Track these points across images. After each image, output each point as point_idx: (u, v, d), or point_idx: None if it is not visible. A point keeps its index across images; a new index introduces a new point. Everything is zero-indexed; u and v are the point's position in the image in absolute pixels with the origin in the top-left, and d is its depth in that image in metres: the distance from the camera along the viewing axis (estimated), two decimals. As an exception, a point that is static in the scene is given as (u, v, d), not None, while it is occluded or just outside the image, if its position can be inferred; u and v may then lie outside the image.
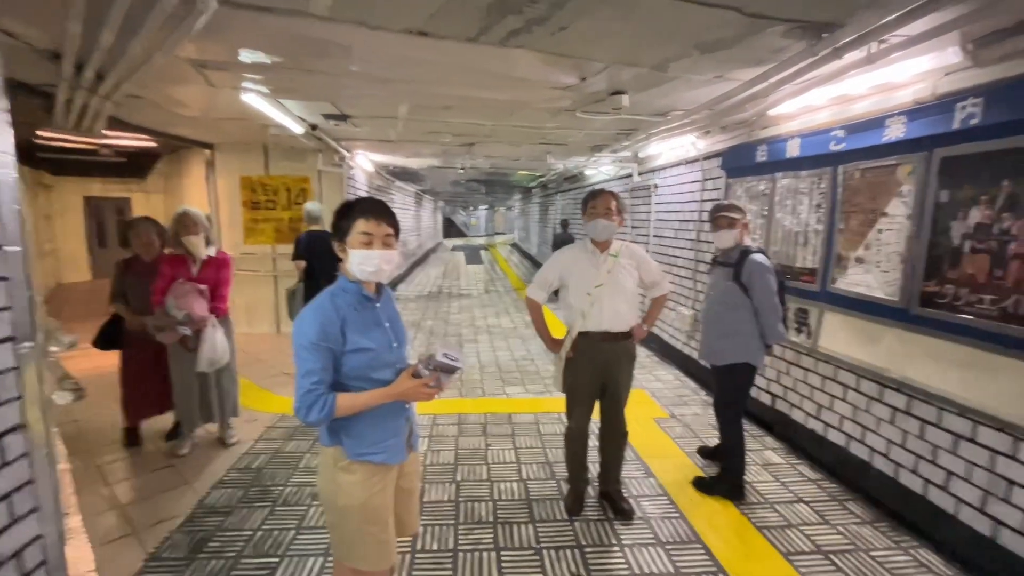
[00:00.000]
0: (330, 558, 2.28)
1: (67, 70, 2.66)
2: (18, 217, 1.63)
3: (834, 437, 3.15)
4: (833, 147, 3.09)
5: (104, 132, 3.91)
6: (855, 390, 3.00)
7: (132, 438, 3.44)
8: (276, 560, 2.29)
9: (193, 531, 2.49)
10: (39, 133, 5.40)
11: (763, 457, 3.34)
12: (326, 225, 3.40)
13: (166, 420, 3.48)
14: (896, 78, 2.63)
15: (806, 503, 2.81)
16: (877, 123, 2.78)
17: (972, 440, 2.31)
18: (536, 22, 2.20)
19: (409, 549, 2.38)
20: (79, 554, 2.27)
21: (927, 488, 2.53)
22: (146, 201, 8.24)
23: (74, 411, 3.81)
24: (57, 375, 2.33)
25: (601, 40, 2.45)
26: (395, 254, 1.55)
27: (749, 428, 3.79)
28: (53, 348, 1.93)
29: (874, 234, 2.85)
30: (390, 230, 1.53)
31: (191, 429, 3.36)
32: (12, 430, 1.59)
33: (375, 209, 1.52)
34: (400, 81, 3.26)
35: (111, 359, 3.36)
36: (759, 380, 3.93)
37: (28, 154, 6.91)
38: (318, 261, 4.21)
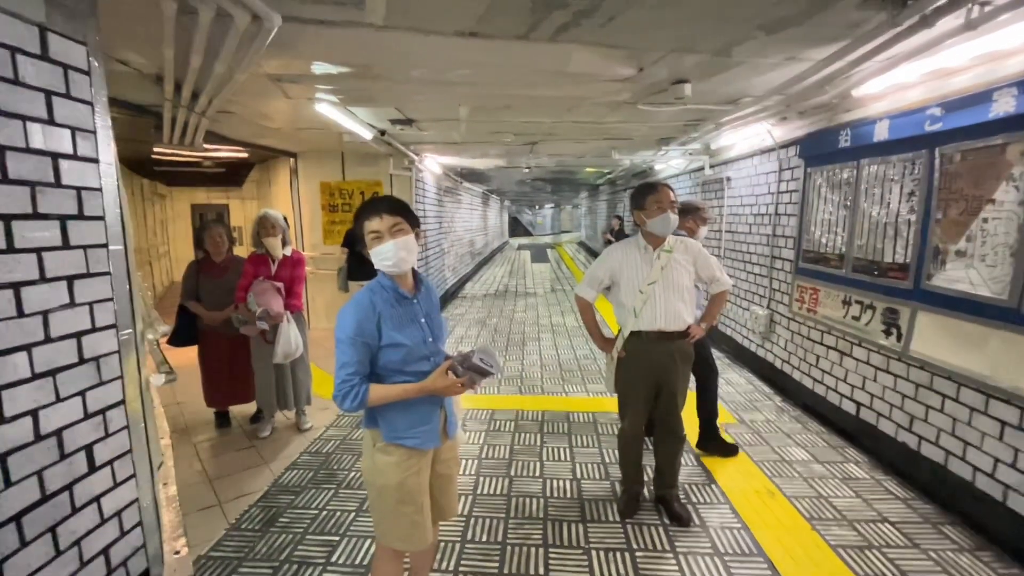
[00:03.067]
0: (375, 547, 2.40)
1: (168, 91, 3.01)
2: (119, 220, 1.87)
3: (929, 452, 2.81)
4: (928, 127, 2.76)
5: (204, 146, 4.38)
6: (955, 400, 2.66)
7: (223, 420, 3.82)
8: (336, 539, 2.44)
9: (267, 507, 2.72)
10: (155, 149, 6.16)
11: (843, 470, 3.05)
12: None
13: (251, 405, 3.82)
14: (1004, 45, 2.29)
15: (892, 523, 2.54)
16: (982, 98, 2.44)
17: (1102, 463, 1.97)
18: (583, 15, 2.16)
19: (459, 539, 2.44)
20: (172, 518, 2.56)
21: (1043, 516, 2.19)
22: (242, 206, 9.12)
23: (177, 394, 4.29)
24: (157, 360, 2.64)
25: (654, 28, 2.36)
26: (410, 239, 1.58)
27: (828, 438, 3.50)
28: (150, 336, 2.20)
29: (978, 224, 2.51)
30: (395, 219, 1.56)
31: (270, 415, 3.67)
32: (114, 405, 1.83)
33: (373, 207, 1.57)
34: (458, 83, 3.35)
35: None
36: (842, 387, 3.60)
37: (148, 168, 7.89)
38: (356, 249, 5.47)
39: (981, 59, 2.45)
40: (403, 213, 1.60)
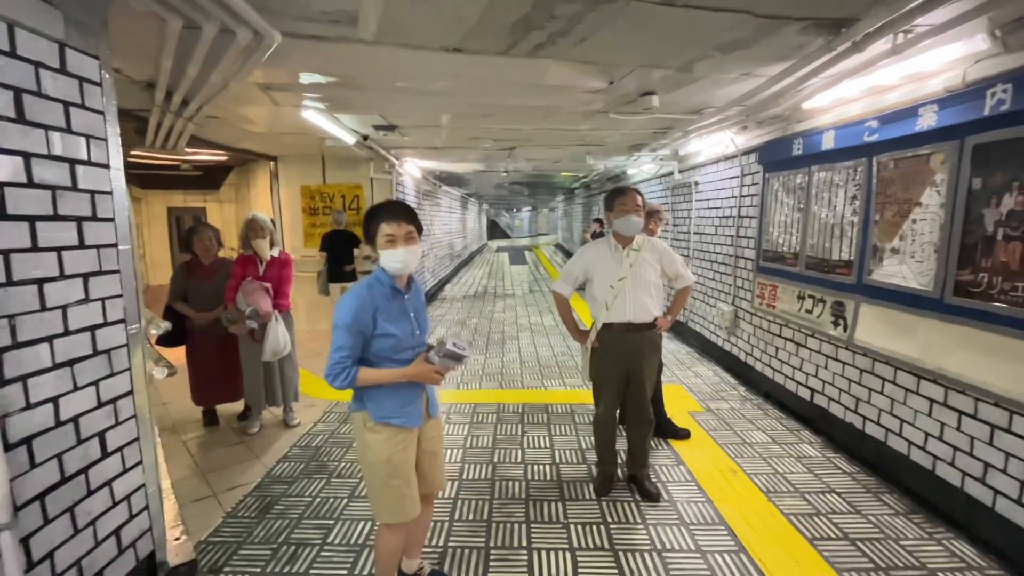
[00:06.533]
0: (377, 524, 2.55)
1: (159, 97, 3.11)
2: (128, 221, 1.99)
3: (872, 431, 3.12)
4: (867, 138, 3.07)
5: (186, 149, 4.44)
6: (892, 382, 2.97)
7: (210, 419, 3.90)
8: (331, 522, 2.59)
9: (262, 496, 2.84)
10: (132, 152, 6.14)
11: (798, 450, 3.34)
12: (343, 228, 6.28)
13: (238, 404, 3.91)
14: (927, 67, 2.61)
15: (838, 494, 2.82)
16: (910, 112, 2.76)
17: (1008, 430, 2.27)
18: (558, 35, 2.38)
19: (447, 518, 2.61)
20: (169, 508, 2.66)
21: (964, 480, 2.49)
22: (219, 210, 9.06)
23: (163, 395, 4.34)
24: (152, 357, 2.74)
25: (623, 47, 2.60)
26: (418, 248, 1.79)
27: (787, 423, 3.79)
28: (153, 331, 2.31)
29: (908, 224, 2.82)
30: (410, 227, 1.76)
31: (258, 411, 3.76)
32: (123, 396, 1.95)
33: (394, 212, 1.76)
34: (441, 93, 3.53)
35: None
36: (798, 375, 3.90)
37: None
38: (334, 253, 6.22)
39: (909, 78, 2.77)
40: (416, 222, 1.80)
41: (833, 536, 2.45)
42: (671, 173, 6.73)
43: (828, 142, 3.43)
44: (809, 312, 3.71)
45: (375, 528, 2.53)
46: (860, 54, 2.36)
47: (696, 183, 6.03)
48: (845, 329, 3.32)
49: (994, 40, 2.24)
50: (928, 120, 2.63)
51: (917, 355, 2.74)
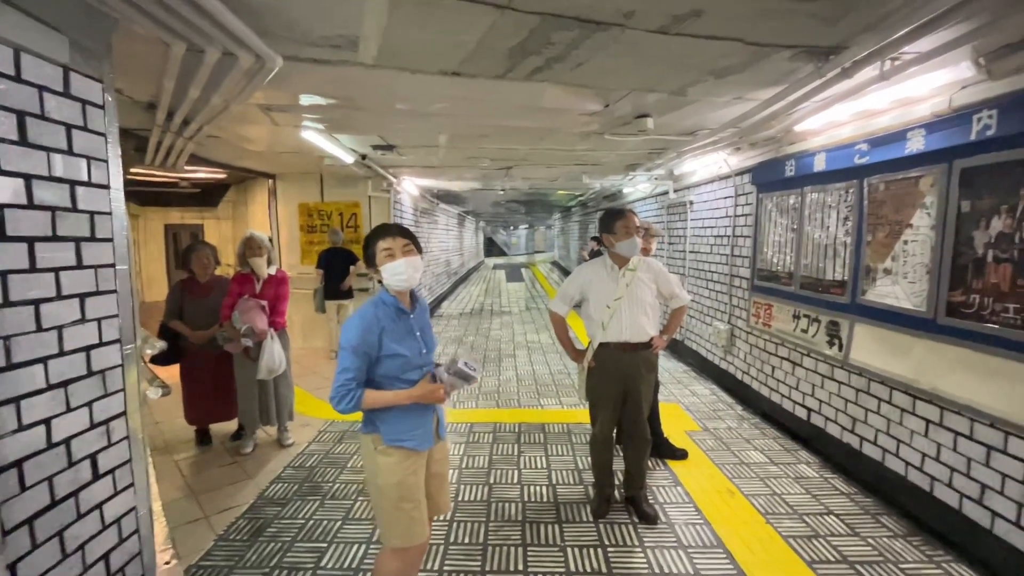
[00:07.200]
0: (372, 547, 2.52)
1: (160, 117, 3.15)
2: (126, 241, 2.00)
3: (869, 451, 3.11)
4: (858, 160, 3.13)
5: (185, 167, 4.47)
6: (888, 403, 2.97)
7: (203, 438, 3.85)
8: (325, 546, 2.55)
9: (254, 518, 2.80)
10: (130, 170, 6.18)
11: (795, 471, 3.32)
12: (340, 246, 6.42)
13: (232, 423, 3.87)
14: (915, 92, 2.67)
15: (836, 515, 2.80)
16: (899, 136, 2.82)
17: (1004, 452, 2.27)
18: (555, 60, 2.44)
19: (443, 541, 2.58)
20: (159, 531, 2.61)
21: (962, 501, 2.48)
22: (217, 227, 9.07)
23: (155, 414, 4.29)
24: (147, 376, 2.72)
25: (618, 72, 2.65)
26: (418, 259, 1.81)
27: (784, 442, 3.77)
28: (148, 351, 2.30)
29: (900, 245, 2.86)
30: (406, 241, 1.80)
31: (252, 431, 3.72)
32: (117, 416, 1.93)
33: (388, 229, 1.81)
34: (439, 115, 3.58)
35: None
36: (795, 395, 3.90)
37: (119, 188, 7.80)
38: (330, 270, 6.25)
39: (898, 103, 2.83)
40: (412, 238, 1.84)
41: (832, 559, 2.43)
42: (666, 192, 6.80)
43: (820, 164, 3.49)
44: (804, 331, 3.73)
45: (370, 552, 2.49)
46: (849, 80, 2.41)
47: (691, 202, 6.09)
48: (840, 348, 3.34)
49: (979, 68, 2.30)
50: (917, 144, 2.69)
51: (912, 375, 2.75)
